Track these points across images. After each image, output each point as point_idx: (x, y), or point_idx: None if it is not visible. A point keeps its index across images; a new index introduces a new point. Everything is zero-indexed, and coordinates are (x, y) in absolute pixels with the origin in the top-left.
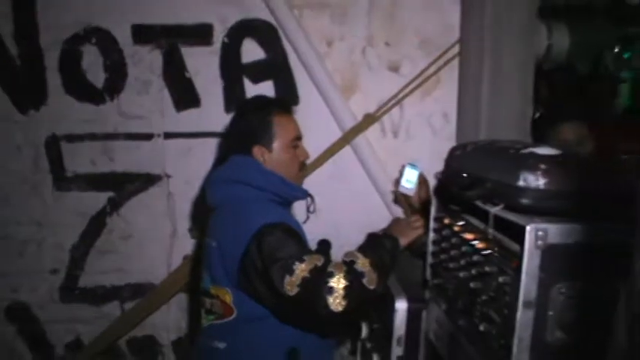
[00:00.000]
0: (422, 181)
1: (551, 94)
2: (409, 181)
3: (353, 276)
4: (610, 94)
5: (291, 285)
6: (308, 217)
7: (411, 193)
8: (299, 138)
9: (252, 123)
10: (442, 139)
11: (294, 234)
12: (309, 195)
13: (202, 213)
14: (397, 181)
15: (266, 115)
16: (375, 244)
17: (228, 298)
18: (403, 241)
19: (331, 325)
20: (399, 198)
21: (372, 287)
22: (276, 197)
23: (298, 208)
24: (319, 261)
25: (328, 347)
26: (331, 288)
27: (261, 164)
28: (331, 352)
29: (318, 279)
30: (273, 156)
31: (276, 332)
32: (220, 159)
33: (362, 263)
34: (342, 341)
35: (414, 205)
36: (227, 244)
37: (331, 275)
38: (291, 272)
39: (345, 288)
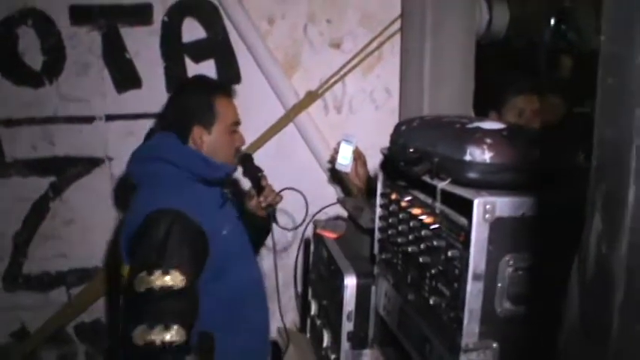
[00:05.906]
0: (358, 156)
1: (489, 69)
2: (344, 157)
3: None
4: (548, 67)
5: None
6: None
7: (347, 170)
8: (238, 123)
9: (194, 103)
10: (385, 114)
11: (181, 232)
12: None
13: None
14: (334, 159)
15: (209, 96)
16: None
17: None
18: None
19: None
20: (338, 175)
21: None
22: (194, 176)
23: None
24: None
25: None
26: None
27: (179, 141)
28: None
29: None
30: (211, 138)
31: None
32: (150, 136)
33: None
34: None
35: (353, 181)
36: (128, 222)
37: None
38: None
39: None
